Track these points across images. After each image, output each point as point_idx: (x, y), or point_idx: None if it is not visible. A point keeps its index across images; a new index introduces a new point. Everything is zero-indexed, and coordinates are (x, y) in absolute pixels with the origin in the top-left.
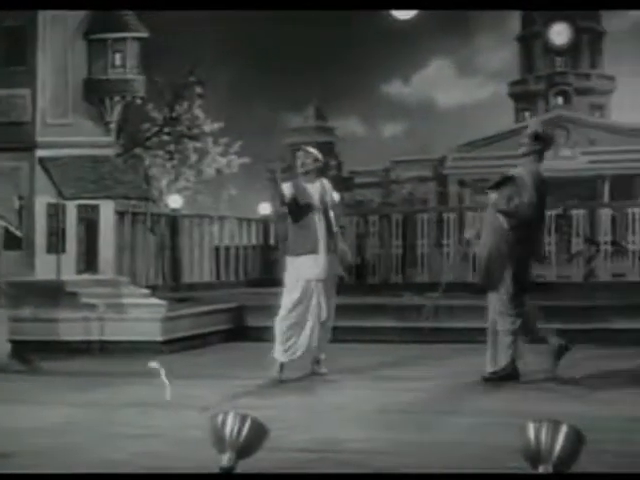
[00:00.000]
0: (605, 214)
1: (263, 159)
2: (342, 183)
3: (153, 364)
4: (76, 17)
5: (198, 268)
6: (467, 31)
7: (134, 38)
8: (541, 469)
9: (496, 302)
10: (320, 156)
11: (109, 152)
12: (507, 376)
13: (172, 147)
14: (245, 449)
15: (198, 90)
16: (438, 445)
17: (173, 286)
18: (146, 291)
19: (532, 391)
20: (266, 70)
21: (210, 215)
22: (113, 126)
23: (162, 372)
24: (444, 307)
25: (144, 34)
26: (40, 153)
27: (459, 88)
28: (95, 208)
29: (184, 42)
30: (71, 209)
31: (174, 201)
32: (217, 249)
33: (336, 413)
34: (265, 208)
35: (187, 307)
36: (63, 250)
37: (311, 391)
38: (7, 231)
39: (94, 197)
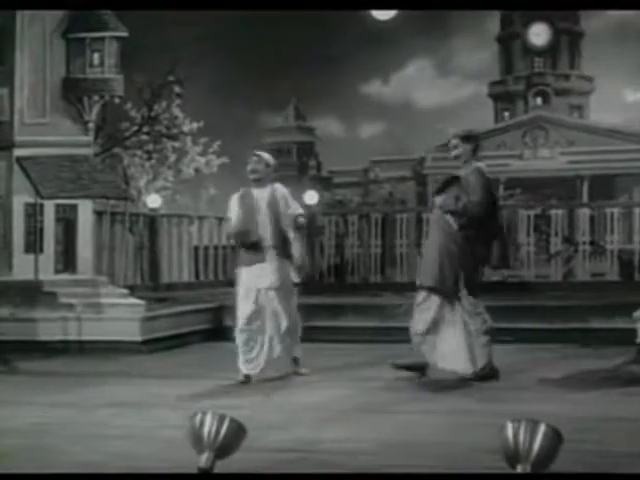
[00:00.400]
0: (584, 214)
1: (242, 159)
2: (321, 183)
3: None
4: (54, 16)
5: (177, 268)
6: (446, 32)
7: (113, 37)
8: (519, 468)
9: (464, 303)
10: (272, 161)
11: (87, 151)
12: (486, 376)
13: (151, 147)
14: (223, 449)
15: (177, 89)
16: (418, 445)
17: (152, 286)
18: (125, 291)
19: (510, 391)
20: (245, 70)
21: (189, 215)
22: (91, 125)
23: None
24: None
25: (123, 33)
26: (18, 152)
27: (438, 88)
28: (73, 208)
29: (163, 41)
30: (49, 209)
31: (153, 201)
32: (196, 249)
33: (314, 413)
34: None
35: (166, 307)
36: (41, 250)
37: (289, 391)
38: None
39: (72, 197)
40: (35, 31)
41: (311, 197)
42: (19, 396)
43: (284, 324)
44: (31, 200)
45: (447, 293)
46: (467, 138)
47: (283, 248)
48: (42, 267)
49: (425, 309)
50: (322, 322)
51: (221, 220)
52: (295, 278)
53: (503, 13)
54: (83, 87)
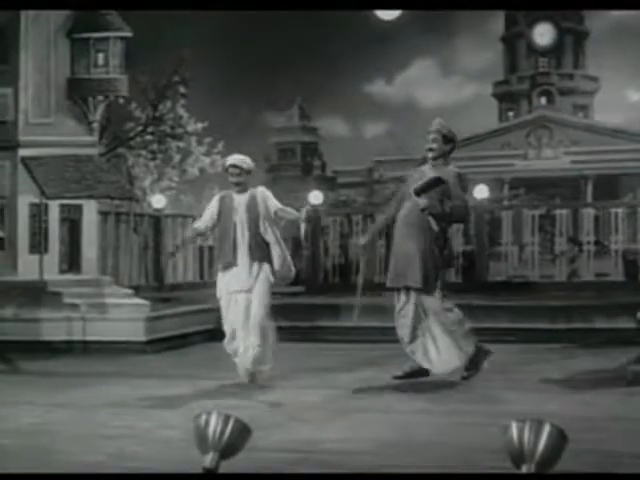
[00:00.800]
0: (588, 214)
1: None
2: (326, 183)
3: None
4: (59, 16)
5: (182, 268)
6: (450, 32)
7: (117, 37)
8: (524, 469)
9: (433, 303)
10: (252, 166)
11: (92, 151)
12: (480, 359)
13: (155, 147)
14: (228, 449)
15: (181, 90)
16: (418, 445)
17: (156, 286)
18: (129, 291)
19: (512, 391)
20: (250, 70)
21: (194, 215)
22: (96, 125)
23: None
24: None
25: (127, 33)
26: (22, 152)
27: (442, 88)
28: (78, 208)
29: (168, 42)
30: (54, 209)
31: (157, 201)
32: (201, 249)
33: (315, 413)
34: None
35: (170, 307)
36: (46, 250)
37: (291, 391)
38: None
39: (77, 197)
40: (39, 31)
41: (316, 197)
42: (20, 396)
43: (252, 323)
44: (36, 200)
45: (429, 293)
46: (448, 139)
47: (259, 252)
48: (47, 267)
49: (404, 315)
50: (325, 322)
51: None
52: (271, 281)
53: (507, 13)
54: (87, 87)
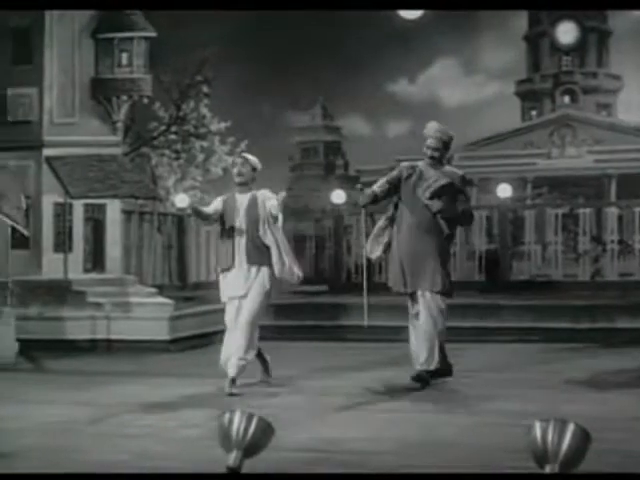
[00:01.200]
0: (612, 213)
1: (268, 159)
2: (349, 182)
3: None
4: (83, 16)
5: (205, 267)
6: (473, 30)
7: (141, 37)
8: (548, 469)
9: (438, 302)
10: (259, 165)
11: (116, 151)
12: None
13: (179, 146)
14: (252, 448)
15: (204, 89)
16: (438, 445)
17: (180, 285)
18: (153, 290)
19: (535, 390)
20: (272, 69)
21: None
22: (120, 125)
23: None
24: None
25: (151, 33)
26: (47, 152)
27: (465, 87)
28: (102, 207)
29: (191, 41)
30: (78, 208)
31: (181, 200)
32: None
33: (337, 413)
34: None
35: (194, 306)
36: (70, 249)
37: (312, 390)
38: (14, 230)
39: (101, 196)
40: (64, 31)
41: (338, 196)
42: (44, 395)
43: (240, 323)
44: (60, 200)
45: (446, 295)
46: (447, 145)
47: (258, 256)
48: (71, 266)
49: (415, 318)
50: (348, 321)
51: None
52: (267, 285)
53: (530, 12)
54: (112, 87)
